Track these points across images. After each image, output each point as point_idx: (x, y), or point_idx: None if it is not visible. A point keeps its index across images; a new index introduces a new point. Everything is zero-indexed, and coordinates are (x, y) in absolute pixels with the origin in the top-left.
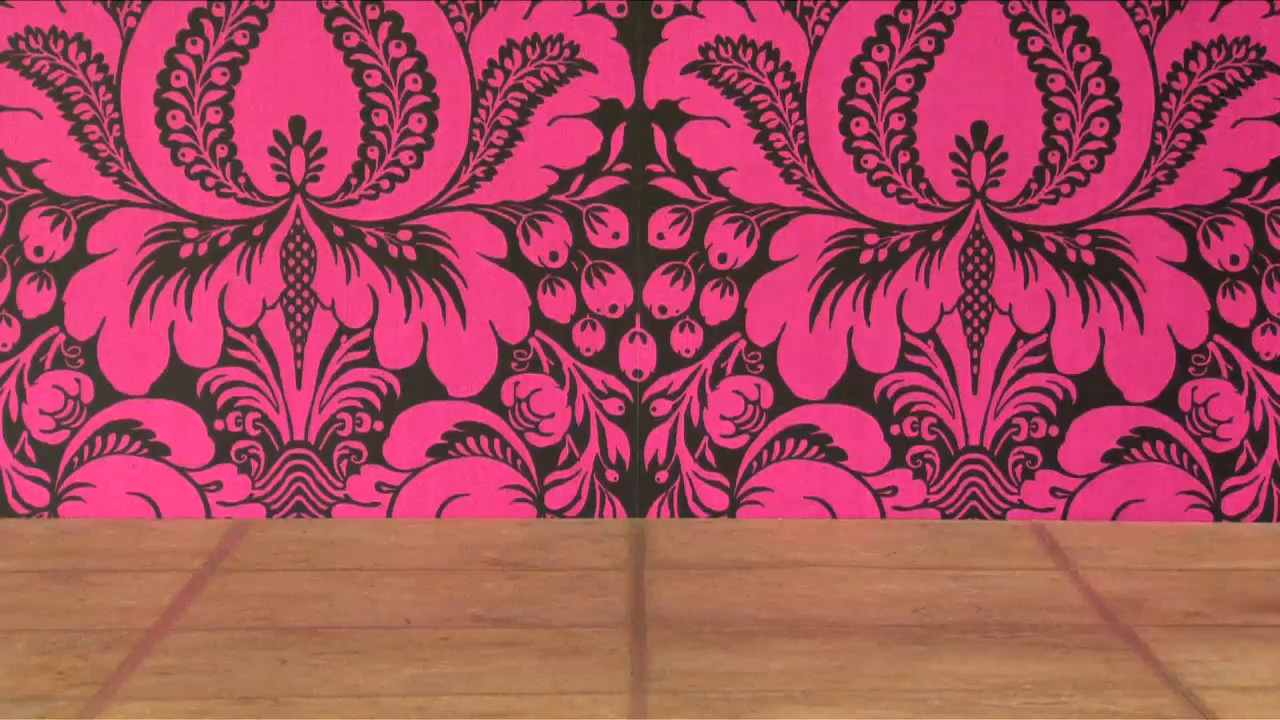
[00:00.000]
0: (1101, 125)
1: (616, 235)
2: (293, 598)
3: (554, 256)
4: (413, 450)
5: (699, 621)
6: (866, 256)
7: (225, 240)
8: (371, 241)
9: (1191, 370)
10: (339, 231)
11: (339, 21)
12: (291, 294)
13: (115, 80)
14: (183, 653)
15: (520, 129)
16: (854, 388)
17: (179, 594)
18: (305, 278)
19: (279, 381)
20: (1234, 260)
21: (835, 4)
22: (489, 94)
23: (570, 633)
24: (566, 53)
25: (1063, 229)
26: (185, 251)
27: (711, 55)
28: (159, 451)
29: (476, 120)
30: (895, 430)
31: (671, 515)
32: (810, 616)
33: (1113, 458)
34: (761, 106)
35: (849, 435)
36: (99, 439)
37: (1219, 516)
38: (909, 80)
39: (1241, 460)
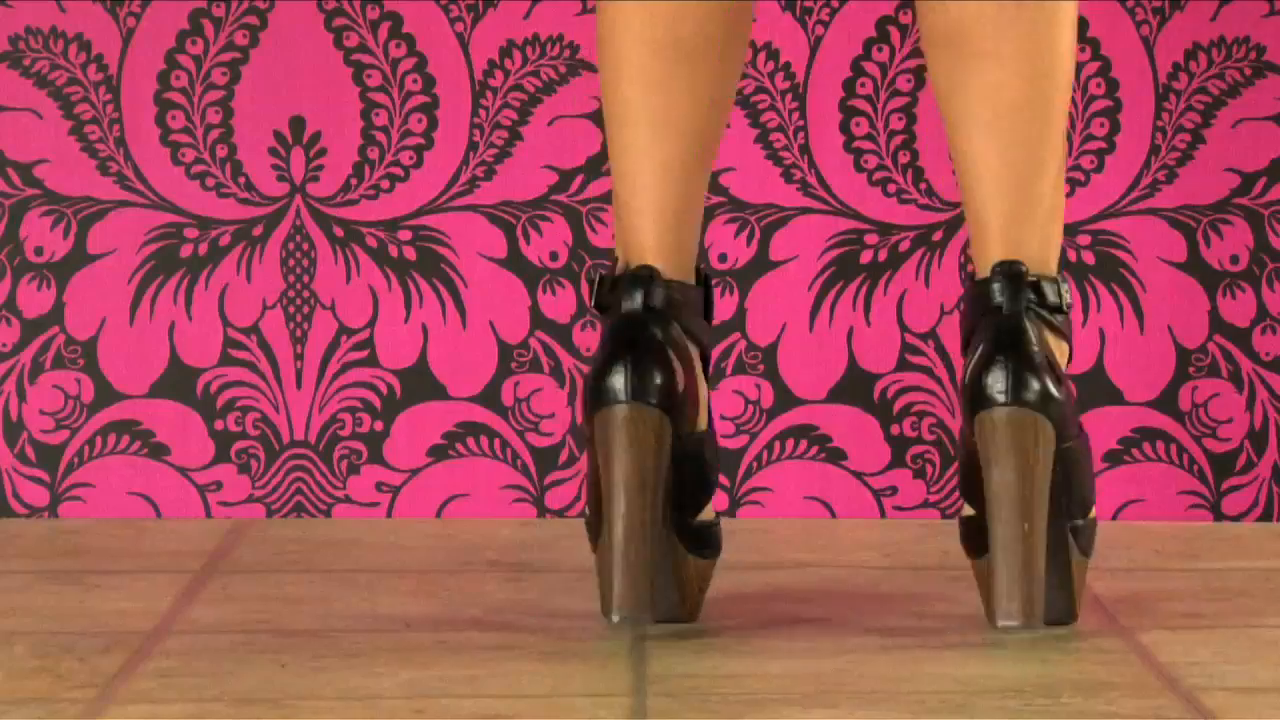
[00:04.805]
0: (1101, 125)
1: None
2: (292, 600)
3: (554, 256)
4: (413, 450)
5: (698, 623)
6: (866, 256)
7: (225, 240)
8: (371, 241)
9: (1191, 370)
10: (339, 231)
11: (339, 21)
12: (291, 294)
13: (115, 80)
14: (183, 655)
15: (520, 129)
16: (854, 388)
17: (179, 595)
18: (305, 278)
19: (279, 381)
20: (1234, 260)
21: (835, 4)
22: (489, 94)
23: (570, 635)
24: (566, 53)
25: (1062, 229)
26: (185, 251)
27: None
28: (159, 451)
29: (476, 120)
30: (895, 430)
31: None
32: (809, 618)
33: (1113, 458)
34: (761, 106)
35: (849, 435)
36: (99, 439)
37: (1219, 516)
38: (909, 80)
39: (1241, 460)
